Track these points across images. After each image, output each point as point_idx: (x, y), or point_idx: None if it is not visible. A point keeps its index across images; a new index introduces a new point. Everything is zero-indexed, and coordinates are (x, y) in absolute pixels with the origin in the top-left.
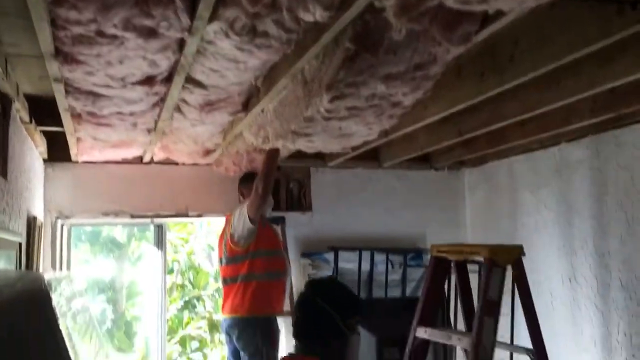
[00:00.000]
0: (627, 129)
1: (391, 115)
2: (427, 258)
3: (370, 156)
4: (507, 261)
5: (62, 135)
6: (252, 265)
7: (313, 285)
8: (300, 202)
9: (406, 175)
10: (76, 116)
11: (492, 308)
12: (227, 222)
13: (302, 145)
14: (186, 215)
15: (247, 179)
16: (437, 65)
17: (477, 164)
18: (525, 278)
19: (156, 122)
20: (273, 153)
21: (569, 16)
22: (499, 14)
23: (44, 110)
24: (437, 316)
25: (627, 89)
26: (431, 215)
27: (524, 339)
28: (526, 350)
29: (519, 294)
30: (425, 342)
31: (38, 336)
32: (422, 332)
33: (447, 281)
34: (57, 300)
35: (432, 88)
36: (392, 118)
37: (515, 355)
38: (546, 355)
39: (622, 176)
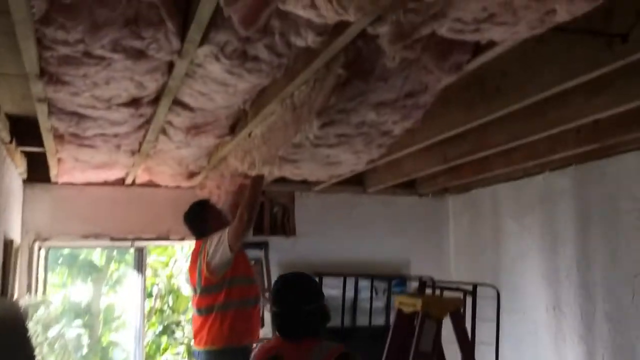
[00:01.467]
0: (612, 159)
1: (380, 144)
2: (411, 285)
3: (355, 181)
4: (440, 314)
5: (43, 156)
6: (229, 294)
7: (290, 291)
8: (284, 226)
9: (391, 201)
10: (58, 137)
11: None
12: (198, 250)
13: (288, 171)
14: (168, 239)
15: (196, 215)
16: (427, 94)
17: (461, 191)
18: (464, 330)
19: (140, 144)
20: (258, 180)
21: (557, 49)
22: (491, 44)
23: (25, 130)
24: None
25: (611, 120)
26: (415, 241)
27: None
28: None
29: (459, 345)
30: None
31: None
32: None
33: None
34: (34, 328)
35: (421, 117)
36: (381, 147)
37: None
38: None
39: (606, 206)
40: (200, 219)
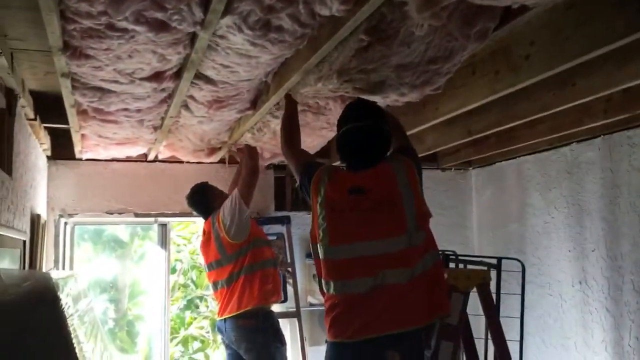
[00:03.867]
0: None
1: (396, 100)
2: None
3: None
4: (467, 287)
5: (67, 132)
6: (253, 256)
7: (370, 108)
8: (305, 201)
9: None
10: (82, 112)
11: (450, 332)
12: (209, 226)
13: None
14: (190, 215)
15: (199, 196)
16: (451, 62)
17: (484, 164)
18: (491, 302)
19: (163, 119)
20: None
21: (588, 14)
22: (519, 10)
23: (48, 106)
24: None
25: None
26: (437, 215)
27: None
28: None
29: (486, 317)
30: None
31: (47, 334)
32: None
33: None
34: (64, 300)
35: (444, 85)
36: (396, 102)
37: None
38: None
39: (635, 177)
40: (203, 200)
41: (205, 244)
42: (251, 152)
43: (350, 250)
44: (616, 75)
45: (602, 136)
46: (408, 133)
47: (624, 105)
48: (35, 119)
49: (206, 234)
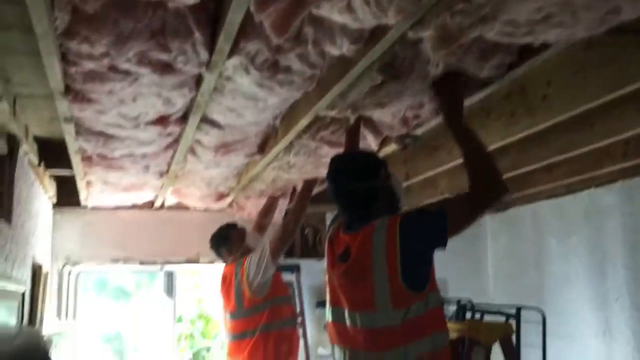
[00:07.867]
0: None
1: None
2: (448, 308)
3: None
4: (489, 340)
5: (72, 179)
6: (271, 314)
7: (339, 175)
8: (315, 248)
9: None
10: (86, 159)
11: None
12: (231, 273)
13: None
14: (197, 262)
15: (225, 237)
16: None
17: (499, 208)
18: (514, 357)
19: (169, 165)
20: (310, 184)
21: (609, 53)
22: (538, 48)
23: (54, 153)
24: None
25: None
26: (452, 262)
27: None
28: None
29: None
30: None
31: None
32: None
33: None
34: (58, 356)
35: None
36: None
37: None
38: None
39: None
40: (222, 240)
41: (226, 292)
42: (304, 192)
43: (336, 314)
44: (636, 118)
45: (621, 180)
46: (422, 177)
47: None
48: (39, 165)
49: (227, 281)
